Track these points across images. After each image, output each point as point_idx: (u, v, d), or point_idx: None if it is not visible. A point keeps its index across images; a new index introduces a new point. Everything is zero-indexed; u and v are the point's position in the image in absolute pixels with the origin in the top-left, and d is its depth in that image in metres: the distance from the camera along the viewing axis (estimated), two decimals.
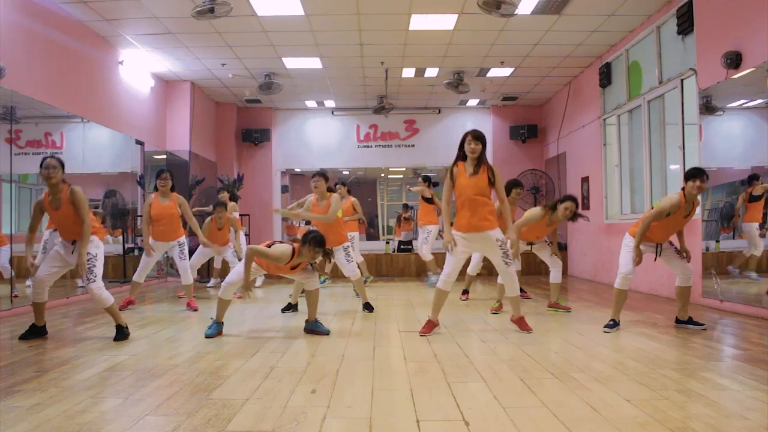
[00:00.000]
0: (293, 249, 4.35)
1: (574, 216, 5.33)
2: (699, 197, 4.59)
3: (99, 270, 4.33)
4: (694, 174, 4.30)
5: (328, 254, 4.50)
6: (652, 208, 4.56)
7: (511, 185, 6.19)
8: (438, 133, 12.14)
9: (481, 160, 4.37)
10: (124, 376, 3.23)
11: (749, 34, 5.16)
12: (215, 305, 4.58)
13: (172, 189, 6.10)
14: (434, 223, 8.14)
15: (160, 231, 5.97)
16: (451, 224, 4.44)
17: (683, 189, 4.36)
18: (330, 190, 6.49)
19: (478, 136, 4.34)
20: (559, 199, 5.40)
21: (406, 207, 12.90)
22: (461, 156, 4.42)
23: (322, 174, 5.79)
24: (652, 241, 4.54)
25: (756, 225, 5.53)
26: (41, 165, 4.19)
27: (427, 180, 8.21)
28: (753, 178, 5.57)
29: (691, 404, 2.62)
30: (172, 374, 3.27)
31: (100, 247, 4.39)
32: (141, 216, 8.84)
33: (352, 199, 7.99)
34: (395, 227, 13.31)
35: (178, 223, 6.07)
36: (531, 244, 5.62)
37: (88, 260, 4.23)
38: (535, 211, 5.41)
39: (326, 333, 4.52)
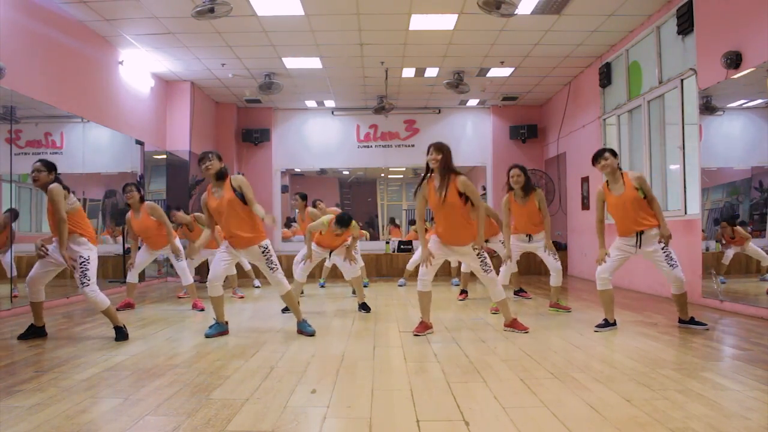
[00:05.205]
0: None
1: (528, 183, 5.48)
2: (632, 174, 4.51)
3: (93, 273, 4.27)
4: (594, 158, 4.54)
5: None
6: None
7: None
8: (438, 133, 12.09)
9: (446, 172, 4.23)
10: (124, 376, 3.23)
11: (749, 34, 5.16)
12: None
13: (142, 200, 5.95)
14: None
15: (148, 242, 6.02)
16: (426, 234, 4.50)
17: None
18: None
19: (438, 147, 4.23)
20: None
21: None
22: (429, 171, 4.31)
23: (346, 224, 5.65)
24: (626, 232, 4.46)
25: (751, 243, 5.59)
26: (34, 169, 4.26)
27: None
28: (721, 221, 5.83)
29: (691, 404, 2.61)
30: (172, 374, 3.27)
31: (92, 250, 4.31)
32: None
33: (309, 209, 7.32)
34: (391, 229, 13.21)
35: (160, 232, 5.95)
36: (530, 236, 5.57)
37: (81, 264, 4.19)
38: (503, 201, 5.64)
39: (310, 334, 4.47)
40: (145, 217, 5.89)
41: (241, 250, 4.43)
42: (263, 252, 4.43)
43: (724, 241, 5.75)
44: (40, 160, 4.30)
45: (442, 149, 4.24)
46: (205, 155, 4.38)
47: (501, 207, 5.69)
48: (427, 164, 4.30)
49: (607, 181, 4.56)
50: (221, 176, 4.35)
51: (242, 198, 4.30)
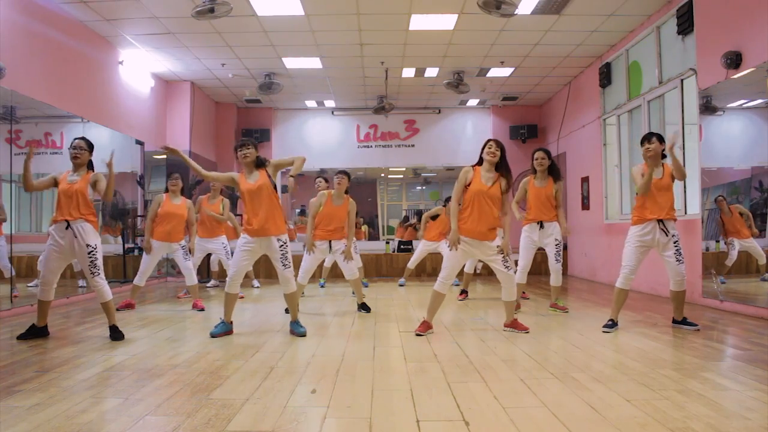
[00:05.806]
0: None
1: (553, 168, 5.53)
2: (664, 163, 4.63)
3: (101, 263, 4.38)
4: (642, 140, 4.66)
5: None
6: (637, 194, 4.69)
7: None
8: (438, 133, 12.14)
9: (497, 170, 4.41)
10: (124, 376, 3.23)
11: (749, 34, 5.16)
12: (217, 305, 4.58)
13: (182, 191, 6.20)
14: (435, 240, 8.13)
15: (165, 231, 5.97)
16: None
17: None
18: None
19: (498, 143, 4.46)
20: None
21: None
22: (479, 161, 4.47)
23: (346, 173, 5.88)
24: (649, 216, 4.50)
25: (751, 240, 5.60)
26: (71, 146, 4.46)
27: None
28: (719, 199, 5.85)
29: (691, 404, 2.62)
30: (172, 374, 3.27)
31: (98, 238, 4.42)
32: (142, 215, 8.87)
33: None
34: (398, 228, 13.14)
35: (183, 226, 6.13)
36: (541, 224, 5.56)
37: (89, 252, 4.30)
38: (523, 181, 5.67)
39: (301, 334, 4.48)
40: (182, 206, 6.09)
41: (261, 238, 4.43)
42: (281, 246, 4.48)
43: (721, 236, 5.76)
44: (83, 138, 4.50)
45: (501, 147, 4.45)
46: (243, 143, 4.50)
47: (520, 186, 5.73)
48: (481, 158, 4.45)
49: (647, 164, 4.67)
50: (260, 164, 4.47)
51: (274, 185, 4.46)
